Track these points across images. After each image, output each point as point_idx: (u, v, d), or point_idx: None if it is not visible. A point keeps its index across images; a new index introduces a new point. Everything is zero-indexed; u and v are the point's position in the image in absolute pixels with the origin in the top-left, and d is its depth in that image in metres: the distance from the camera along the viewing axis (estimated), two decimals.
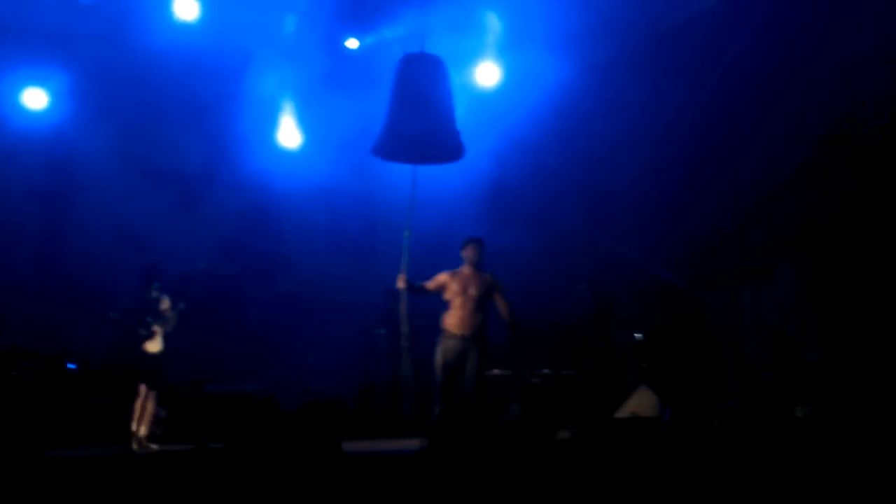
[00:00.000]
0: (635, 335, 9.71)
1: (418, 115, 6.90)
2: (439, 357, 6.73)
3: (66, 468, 5.37)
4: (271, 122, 10.68)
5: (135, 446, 7.44)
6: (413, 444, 7.02)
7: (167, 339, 7.86)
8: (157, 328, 7.78)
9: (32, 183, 10.06)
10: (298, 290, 11.06)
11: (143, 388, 7.61)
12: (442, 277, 6.93)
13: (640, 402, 8.22)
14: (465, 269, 6.92)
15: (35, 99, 9.73)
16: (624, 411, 8.16)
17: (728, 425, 7.40)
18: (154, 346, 7.75)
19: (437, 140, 7.12)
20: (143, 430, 7.60)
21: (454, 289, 6.81)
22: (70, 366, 8.38)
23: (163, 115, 10.45)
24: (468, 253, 6.94)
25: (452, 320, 6.77)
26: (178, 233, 10.25)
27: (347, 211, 11.84)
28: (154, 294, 7.81)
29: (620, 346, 9.73)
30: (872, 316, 8.36)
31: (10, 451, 5.68)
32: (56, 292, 9.83)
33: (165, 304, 7.87)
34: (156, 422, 7.95)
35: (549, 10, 9.70)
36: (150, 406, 7.69)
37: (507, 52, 10.34)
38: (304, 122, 10.81)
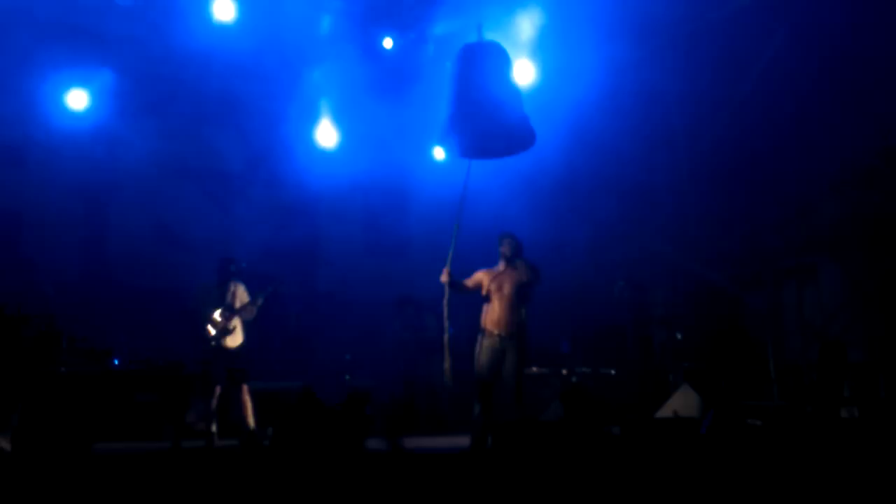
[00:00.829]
0: (676, 334, 9.62)
1: (486, 106, 6.80)
2: (480, 357, 6.68)
3: (113, 462, 5.43)
4: (309, 122, 10.76)
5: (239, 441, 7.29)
6: (453, 441, 7.04)
7: (249, 330, 7.71)
8: (236, 322, 7.59)
9: (76, 182, 10.20)
10: (335, 288, 11.11)
11: (217, 389, 7.42)
12: (479, 275, 6.91)
13: (682, 402, 8.15)
14: (501, 266, 6.88)
15: (77, 100, 9.85)
16: (665, 411, 8.10)
17: (771, 426, 7.33)
18: (234, 340, 7.58)
19: (508, 130, 6.96)
20: (250, 422, 7.43)
21: (490, 287, 6.79)
22: (114, 362, 8.47)
23: (202, 114, 10.58)
24: (502, 249, 6.89)
25: (490, 318, 6.73)
26: (218, 231, 10.38)
27: (383, 209, 11.89)
28: (231, 287, 7.64)
29: (660, 346, 9.66)
30: None
31: (59, 445, 5.76)
32: (100, 289, 9.98)
33: (243, 295, 7.69)
34: (199, 416, 8.00)
35: (585, 6, 9.65)
36: (247, 399, 7.46)
37: (543, 50, 10.29)
38: (341, 121, 10.87)
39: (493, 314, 6.73)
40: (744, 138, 10.12)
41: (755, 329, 9.78)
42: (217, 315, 7.52)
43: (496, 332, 6.68)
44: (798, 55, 9.45)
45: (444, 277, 6.73)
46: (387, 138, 10.95)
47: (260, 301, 7.64)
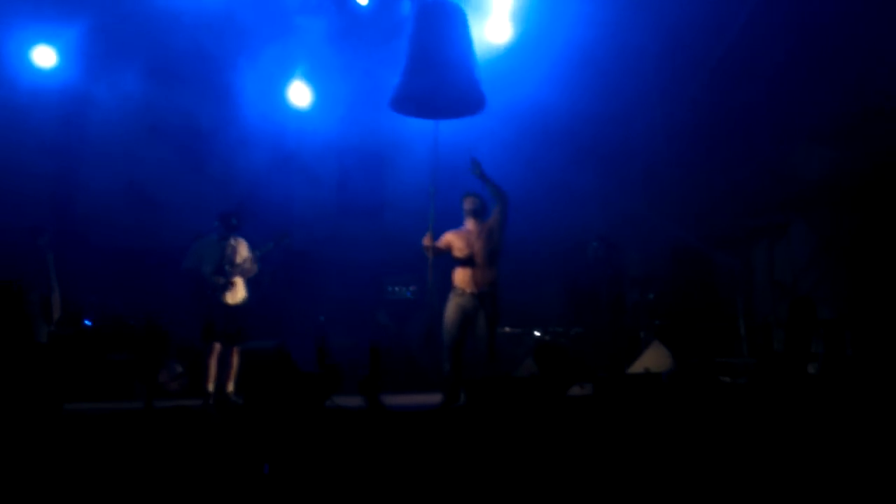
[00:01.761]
0: (648, 293, 9.72)
1: (438, 67, 6.75)
2: (450, 314, 6.68)
3: (84, 422, 5.42)
4: (282, 80, 10.61)
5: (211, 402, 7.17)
6: (428, 399, 7.09)
7: (251, 287, 7.59)
8: (236, 278, 7.46)
9: (45, 140, 10.05)
10: (309, 248, 11.05)
11: (216, 346, 7.31)
12: (448, 237, 6.92)
13: (653, 359, 8.27)
14: (469, 225, 6.90)
15: (44, 57, 9.64)
16: (637, 367, 8.21)
17: (739, 381, 7.44)
18: (234, 296, 7.45)
19: (457, 92, 6.95)
20: (230, 387, 7.33)
21: (459, 246, 6.80)
22: (86, 322, 8.40)
23: (172, 71, 10.37)
24: (466, 206, 6.92)
25: (462, 278, 6.74)
26: (189, 190, 10.26)
27: (358, 169, 11.80)
28: (232, 242, 7.48)
29: (632, 304, 9.75)
30: (886, 274, 8.35)
31: (31, 405, 5.73)
32: (70, 249, 9.87)
33: (244, 251, 7.54)
34: (172, 377, 7.97)
35: None
36: (235, 361, 7.36)
37: (520, 9, 10.17)
38: (315, 80, 10.73)
39: (464, 273, 6.74)
40: (718, 99, 10.14)
41: (726, 287, 9.89)
42: (217, 271, 7.37)
43: (468, 290, 6.69)
44: (773, 16, 9.44)
45: (426, 241, 6.74)
46: (361, 97, 10.81)
47: (265, 250, 7.52)
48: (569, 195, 10.81)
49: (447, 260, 6.94)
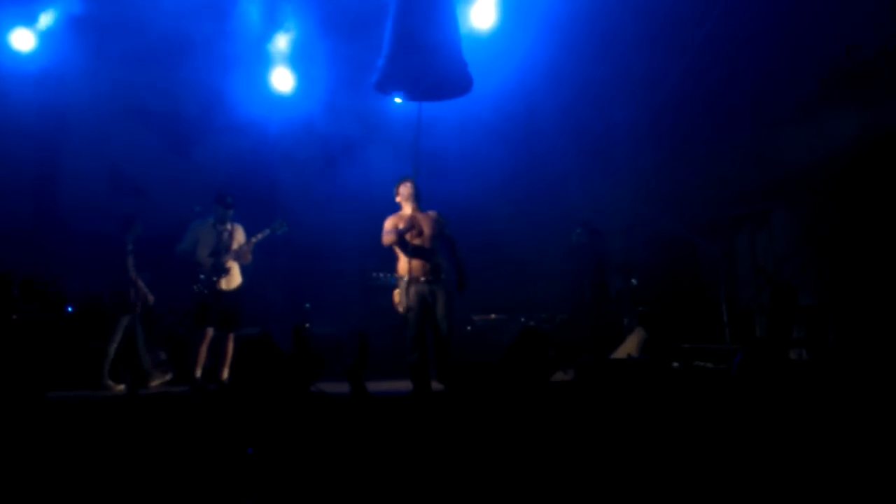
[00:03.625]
0: (631, 280, 9.76)
1: (424, 47, 6.67)
2: (406, 303, 6.55)
3: (67, 409, 5.40)
4: (264, 65, 10.52)
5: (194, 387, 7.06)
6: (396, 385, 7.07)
7: (246, 273, 7.47)
8: (231, 263, 7.32)
9: (25, 126, 9.92)
10: (293, 232, 11.00)
11: (209, 332, 7.20)
12: (389, 223, 6.78)
13: (636, 345, 8.33)
14: (408, 209, 6.79)
15: (23, 40, 9.48)
16: (619, 353, 8.27)
17: (721, 367, 7.51)
18: (229, 282, 7.32)
19: (443, 73, 6.88)
20: (224, 374, 7.23)
21: (408, 235, 6.62)
22: (68, 309, 8.34)
23: (154, 55, 10.23)
24: (404, 191, 6.80)
25: (413, 265, 6.59)
26: (172, 176, 10.19)
27: (342, 154, 11.73)
28: (228, 227, 7.35)
29: (616, 291, 9.79)
30: (867, 260, 8.43)
31: (14, 392, 5.70)
32: (53, 235, 9.80)
33: (241, 237, 7.43)
34: (155, 364, 7.92)
35: None
36: (230, 348, 7.26)
37: None
38: (297, 65, 10.64)
39: (415, 260, 6.60)
40: (700, 86, 10.17)
41: (709, 274, 9.95)
42: (212, 255, 7.26)
43: (422, 277, 6.59)
44: (752, 2, 9.48)
45: (397, 225, 6.71)
46: (345, 82, 10.75)
47: (259, 238, 7.40)
48: (552, 181, 10.84)
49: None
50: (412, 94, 7.09)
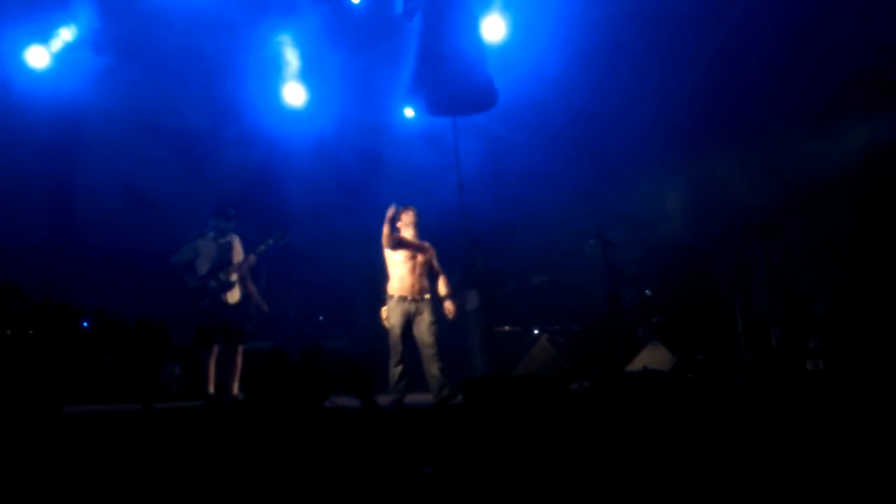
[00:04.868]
0: (645, 291, 9.73)
1: (450, 63, 6.82)
2: (395, 321, 6.89)
3: (83, 424, 5.41)
4: (275, 79, 10.56)
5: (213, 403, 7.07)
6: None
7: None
8: (234, 276, 7.34)
9: (40, 142, 10.00)
10: (306, 246, 11.03)
11: (215, 348, 7.24)
12: (400, 236, 7.06)
13: (651, 357, 8.27)
14: (410, 233, 7.10)
15: (38, 57, 9.57)
16: (635, 365, 8.21)
17: (736, 378, 7.45)
18: (233, 296, 7.33)
19: (470, 88, 7.06)
20: (234, 388, 7.27)
21: (405, 253, 7.01)
22: (83, 323, 8.37)
23: (167, 71, 10.31)
24: (407, 218, 7.09)
25: (402, 285, 6.96)
26: (185, 190, 10.23)
27: (354, 168, 11.77)
28: (229, 239, 7.39)
29: (630, 302, 9.76)
30: (883, 270, 8.36)
31: (30, 407, 5.72)
32: (67, 250, 9.84)
33: (239, 247, 7.44)
34: (170, 378, 7.94)
35: None
36: (238, 362, 7.29)
37: (514, 6, 10.16)
38: (309, 79, 10.68)
39: (404, 281, 6.97)
40: (713, 96, 10.15)
41: (724, 284, 9.90)
42: (213, 270, 7.29)
43: (409, 296, 6.94)
44: (768, 10, 9.46)
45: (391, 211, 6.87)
46: (356, 96, 10.79)
47: (262, 249, 7.46)
48: (565, 193, 10.81)
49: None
50: (439, 106, 7.22)
